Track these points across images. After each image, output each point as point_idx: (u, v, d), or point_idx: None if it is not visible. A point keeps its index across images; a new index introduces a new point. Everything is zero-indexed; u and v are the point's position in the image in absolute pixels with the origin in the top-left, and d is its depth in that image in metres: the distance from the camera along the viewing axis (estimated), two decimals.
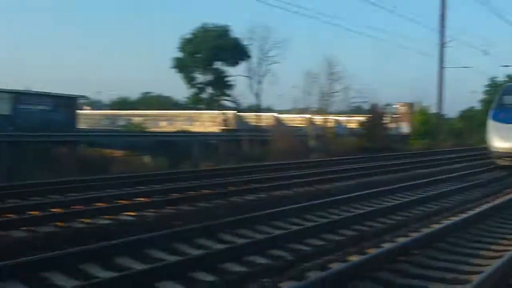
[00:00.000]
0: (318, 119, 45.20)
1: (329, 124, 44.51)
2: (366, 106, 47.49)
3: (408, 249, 8.37)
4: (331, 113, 46.75)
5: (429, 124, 49.56)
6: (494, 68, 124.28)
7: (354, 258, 7.81)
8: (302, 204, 12.59)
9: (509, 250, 8.29)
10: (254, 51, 37.51)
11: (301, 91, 45.81)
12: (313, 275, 6.90)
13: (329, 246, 9.01)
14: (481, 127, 59.90)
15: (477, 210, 12.26)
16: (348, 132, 46.56)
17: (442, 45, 41.61)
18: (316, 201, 13.10)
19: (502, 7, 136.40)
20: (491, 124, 23.49)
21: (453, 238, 9.47)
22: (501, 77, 64.65)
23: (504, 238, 9.80)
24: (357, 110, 50.53)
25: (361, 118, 45.83)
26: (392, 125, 52.86)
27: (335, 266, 7.34)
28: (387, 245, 8.65)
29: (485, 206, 12.95)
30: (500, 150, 22.71)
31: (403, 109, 54.82)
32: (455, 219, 11.02)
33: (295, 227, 10.43)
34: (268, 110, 61.18)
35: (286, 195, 14.73)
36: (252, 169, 21.55)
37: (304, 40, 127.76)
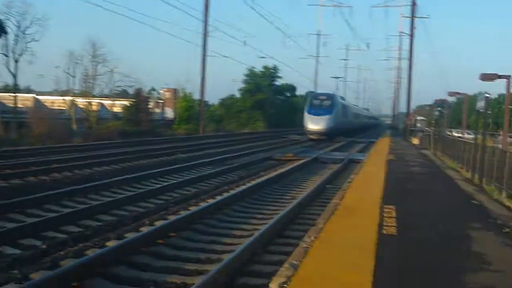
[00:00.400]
0: (81, 102, 43.77)
1: (93, 108, 43.38)
2: (131, 91, 47.23)
3: (166, 232, 8.53)
4: (95, 96, 45.58)
5: (192, 110, 51.03)
6: (252, 59, 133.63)
7: (112, 244, 7.74)
8: (61, 190, 12.10)
9: (258, 229, 8.90)
10: (10, 27, 34.67)
11: (63, 73, 43.95)
12: (67, 263, 6.67)
13: (86, 233, 8.77)
14: (240, 113, 63.78)
15: (232, 192, 13.01)
16: (113, 116, 45.88)
17: (205, 34, 43.02)
18: (76, 187, 12.71)
19: (262, 5, 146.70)
20: (306, 115, 41.49)
21: (209, 220, 9.90)
22: (258, 68, 69.06)
23: (254, 218, 10.54)
24: (122, 94, 49.94)
25: (126, 102, 45.47)
26: (157, 110, 53.44)
27: (91, 253, 7.19)
28: (145, 229, 8.74)
29: (240, 188, 13.82)
30: (311, 130, 40.45)
31: (168, 94, 55.66)
32: (212, 201, 11.54)
33: (51, 214, 9.94)
34: (27, 91, 57.50)
35: (43, 181, 14.01)
36: (5, 153, 20.00)
37: (67, 19, 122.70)
